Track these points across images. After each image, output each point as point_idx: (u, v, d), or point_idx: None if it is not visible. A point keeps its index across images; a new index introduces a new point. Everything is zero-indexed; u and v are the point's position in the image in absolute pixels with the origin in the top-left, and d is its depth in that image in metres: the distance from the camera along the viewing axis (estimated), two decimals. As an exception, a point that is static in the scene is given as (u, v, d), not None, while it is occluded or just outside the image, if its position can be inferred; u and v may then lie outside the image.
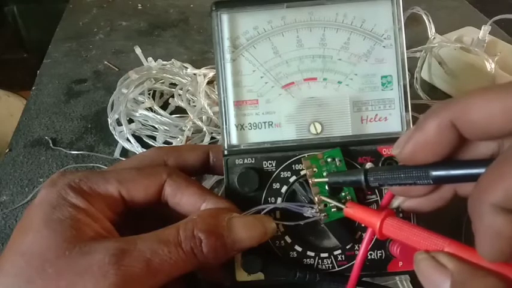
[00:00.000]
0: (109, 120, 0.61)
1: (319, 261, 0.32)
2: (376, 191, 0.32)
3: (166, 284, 0.26)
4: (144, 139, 0.59)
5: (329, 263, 0.32)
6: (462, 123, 0.22)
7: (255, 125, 0.33)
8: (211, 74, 0.66)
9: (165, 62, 0.70)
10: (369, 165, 0.32)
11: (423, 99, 0.67)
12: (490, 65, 0.60)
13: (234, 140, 0.33)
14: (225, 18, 0.33)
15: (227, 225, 0.28)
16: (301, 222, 0.31)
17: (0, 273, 0.25)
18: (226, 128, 0.33)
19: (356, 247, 0.32)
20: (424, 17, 0.68)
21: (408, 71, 0.33)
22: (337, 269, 0.32)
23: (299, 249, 0.32)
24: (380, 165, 0.32)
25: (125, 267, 0.24)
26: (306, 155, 0.32)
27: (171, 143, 0.59)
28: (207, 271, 0.33)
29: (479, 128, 0.21)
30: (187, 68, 0.70)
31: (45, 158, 0.59)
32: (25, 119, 0.66)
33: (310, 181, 0.31)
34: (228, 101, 0.33)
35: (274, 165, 0.33)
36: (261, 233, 0.29)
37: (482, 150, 0.24)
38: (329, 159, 0.31)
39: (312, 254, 0.32)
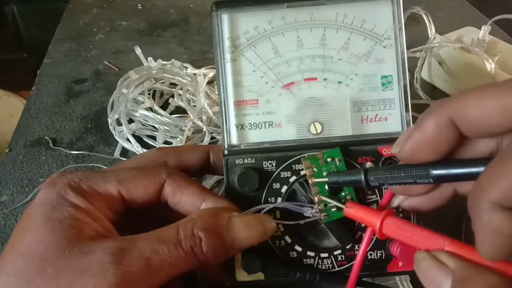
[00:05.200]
0: (109, 120, 0.61)
1: (319, 261, 0.32)
2: (376, 190, 0.32)
3: (166, 283, 0.26)
4: (144, 139, 0.59)
5: (329, 263, 0.32)
6: (460, 120, 0.22)
7: (255, 125, 0.33)
8: (211, 74, 0.66)
9: (165, 62, 0.70)
10: (368, 164, 0.32)
11: (423, 99, 0.67)
12: (490, 65, 0.60)
13: (234, 140, 0.33)
14: (225, 18, 0.33)
15: (227, 224, 0.28)
16: (301, 222, 0.31)
17: (0, 273, 0.25)
18: (226, 128, 0.33)
19: (356, 247, 0.32)
20: (424, 17, 0.68)
21: (408, 71, 0.33)
22: (337, 269, 0.32)
23: (299, 249, 0.32)
24: (380, 165, 0.32)
25: (124, 266, 0.24)
26: (306, 155, 0.32)
27: (171, 143, 0.59)
28: (206, 271, 0.33)
29: (477, 125, 0.22)
30: (187, 68, 0.70)
31: (45, 158, 0.59)
32: (25, 119, 0.66)
33: (310, 181, 0.31)
34: (228, 101, 0.33)
35: (274, 165, 0.33)
36: (261, 232, 0.29)
37: (481, 148, 0.24)
38: (329, 159, 0.31)
39: (312, 254, 0.32)
